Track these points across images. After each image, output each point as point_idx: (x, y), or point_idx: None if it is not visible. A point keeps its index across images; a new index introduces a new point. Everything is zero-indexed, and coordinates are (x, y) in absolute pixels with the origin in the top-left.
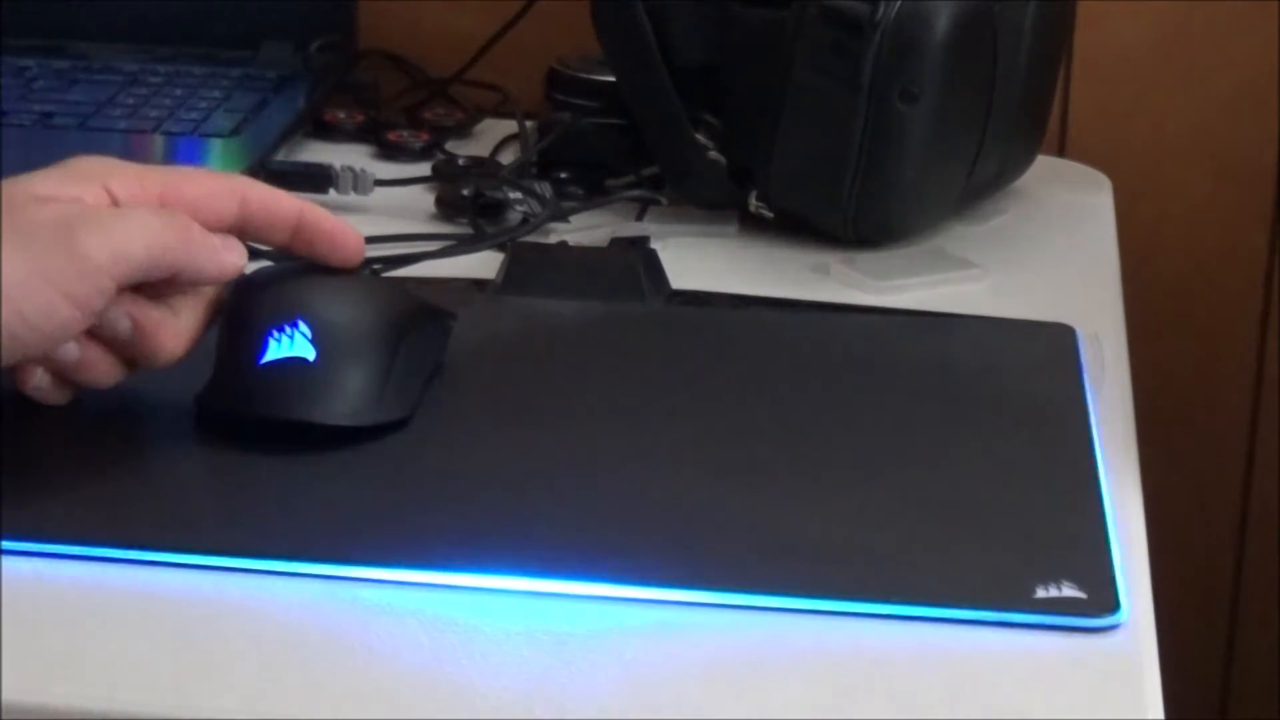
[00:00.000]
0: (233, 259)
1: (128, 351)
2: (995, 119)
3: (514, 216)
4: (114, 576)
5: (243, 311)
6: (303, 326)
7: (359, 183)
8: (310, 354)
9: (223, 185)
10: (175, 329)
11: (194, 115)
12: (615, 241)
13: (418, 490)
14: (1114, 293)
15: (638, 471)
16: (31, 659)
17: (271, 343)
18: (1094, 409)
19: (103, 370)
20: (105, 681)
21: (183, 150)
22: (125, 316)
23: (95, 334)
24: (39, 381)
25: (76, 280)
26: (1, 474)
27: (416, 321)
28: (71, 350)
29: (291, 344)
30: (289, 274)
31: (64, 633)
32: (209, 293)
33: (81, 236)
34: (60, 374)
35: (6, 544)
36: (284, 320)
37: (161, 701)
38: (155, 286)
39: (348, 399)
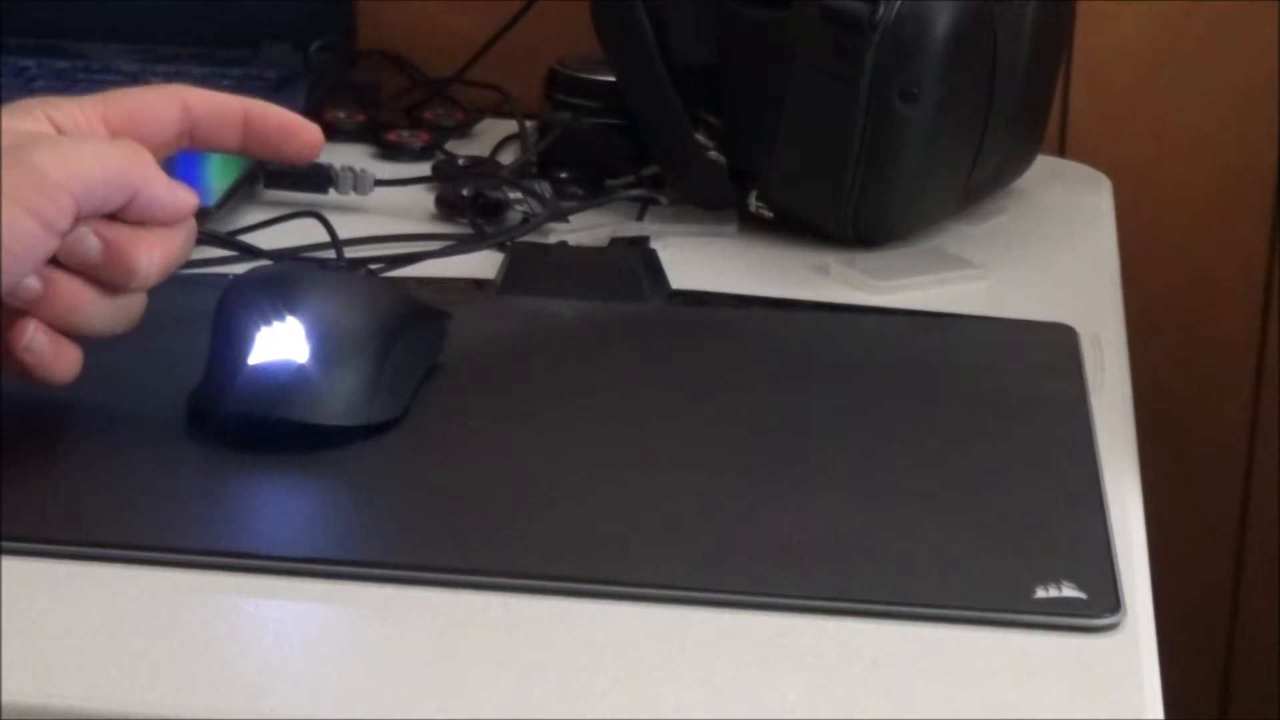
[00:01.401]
0: (186, 195)
1: (104, 275)
2: (995, 119)
3: (514, 216)
4: (113, 576)
5: (234, 311)
6: (294, 326)
7: (359, 183)
8: (301, 354)
9: (161, 92)
10: (149, 242)
11: None
12: (615, 241)
13: (412, 490)
14: (1114, 293)
15: (637, 471)
16: (31, 659)
17: (262, 342)
18: (1094, 409)
19: (85, 302)
20: (105, 681)
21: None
22: (93, 235)
23: (68, 264)
24: (31, 339)
25: (36, 194)
26: (1, 474)
27: (410, 321)
28: (33, 284)
29: (282, 344)
30: (280, 274)
31: (64, 633)
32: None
33: (37, 156)
34: (49, 321)
35: (6, 544)
36: (275, 320)
37: (161, 701)
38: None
39: (339, 399)
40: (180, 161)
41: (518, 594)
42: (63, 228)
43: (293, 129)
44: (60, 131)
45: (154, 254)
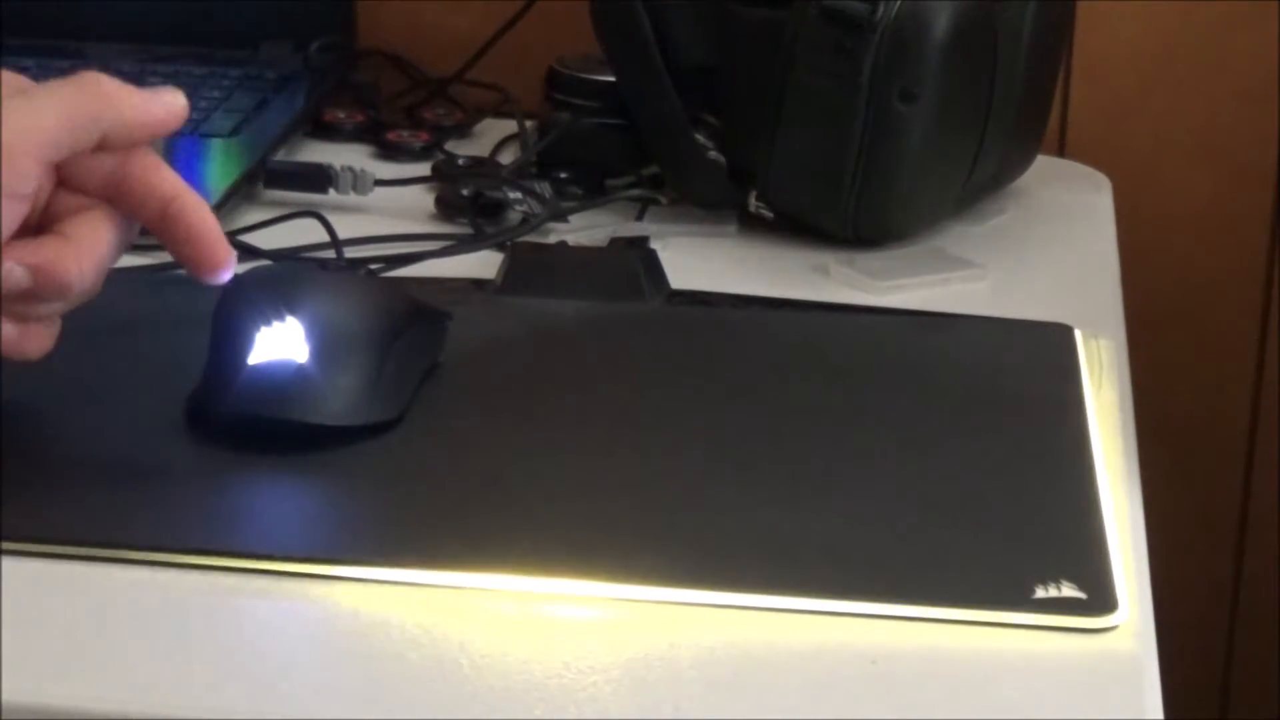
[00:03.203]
0: (168, 104)
1: (40, 297)
2: (995, 119)
3: (514, 216)
4: (113, 576)
5: (233, 311)
6: (294, 326)
7: (359, 183)
8: (301, 353)
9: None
10: (76, 254)
11: (194, 115)
12: (615, 241)
13: (412, 490)
14: (1114, 293)
15: (636, 471)
16: (31, 659)
17: (262, 342)
18: (1094, 409)
19: (36, 334)
20: (105, 681)
21: (182, 150)
22: (18, 267)
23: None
24: None
25: None
26: (1, 474)
27: (410, 321)
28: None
29: (282, 344)
30: (280, 274)
31: (64, 633)
32: (107, 212)
33: None
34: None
35: (6, 544)
36: (275, 320)
37: (161, 701)
38: (91, 161)
39: (338, 399)
40: (180, 161)
41: (516, 594)
42: (29, 190)
43: (207, 242)
44: None
45: (83, 264)
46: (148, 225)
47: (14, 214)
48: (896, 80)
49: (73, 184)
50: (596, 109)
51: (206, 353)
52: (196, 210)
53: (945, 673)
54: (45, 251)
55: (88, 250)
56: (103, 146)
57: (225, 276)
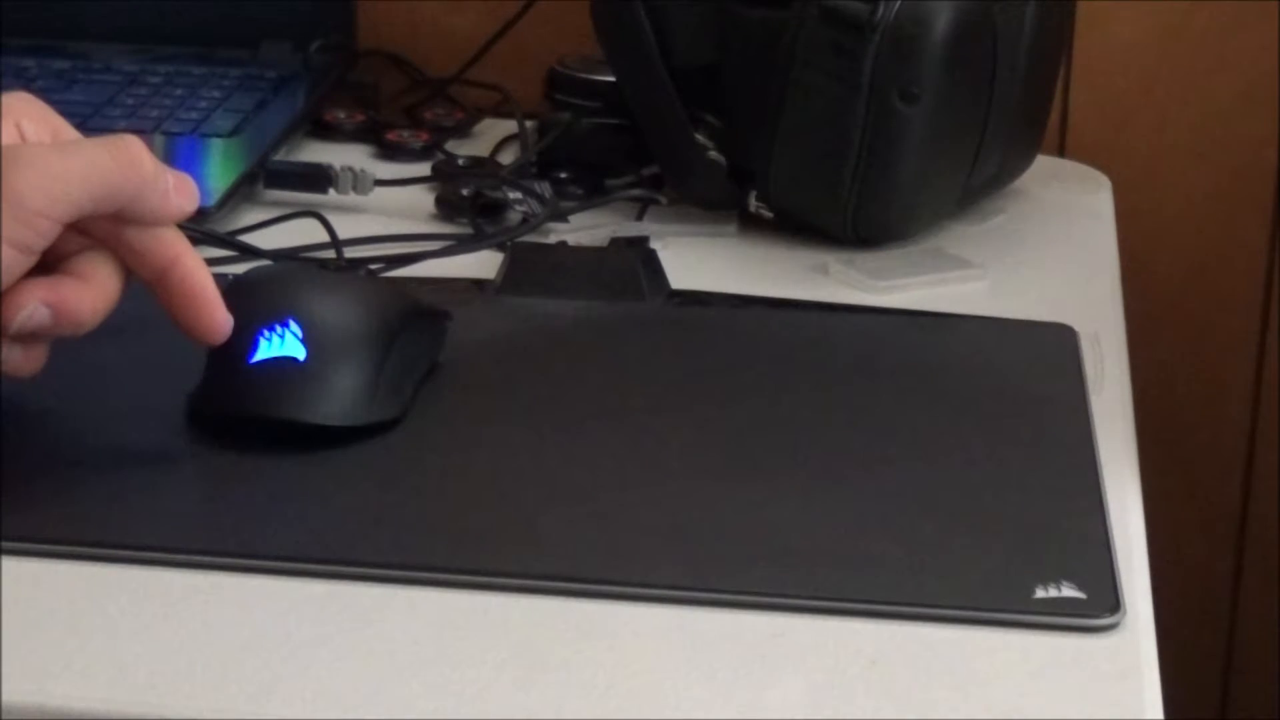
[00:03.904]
0: (183, 203)
1: (53, 333)
2: (995, 119)
3: (514, 216)
4: (113, 576)
5: (233, 311)
6: (293, 326)
7: (359, 183)
8: (301, 353)
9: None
10: (92, 294)
11: (194, 115)
12: (615, 241)
13: (412, 490)
14: (1114, 293)
15: (636, 472)
16: (31, 659)
17: (262, 342)
18: (1094, 409)
19: (35, 357)
20: (105, 681)
21: (183, 150)
22: (42, 307)
23: (20, 336)
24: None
25: (14, 225)
26: (1, 474)
27: (409, 321)
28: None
29: (282, 343)
30: (281, 274)
31: (64, 633)
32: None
33: (17, 180)
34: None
35: (6, 544)
36: (275, 319)
37: (161, 701)
38: (97, 220)
39: (338, 399)
40: (180, 161)
41: (518, 594)
42: (41, 247)
43: (206, 310)
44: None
45: (97, 303)
46: (144, 282)
47: (21, 266)
48: (896, 80)
49: (76, 225)
50: (596, 109)
51: (206, 353)
52: (197, 275)
53: (945, 673)
54: (64, 291)
55: (101, 291)
56: (115, 216)
57: (220, 340)
